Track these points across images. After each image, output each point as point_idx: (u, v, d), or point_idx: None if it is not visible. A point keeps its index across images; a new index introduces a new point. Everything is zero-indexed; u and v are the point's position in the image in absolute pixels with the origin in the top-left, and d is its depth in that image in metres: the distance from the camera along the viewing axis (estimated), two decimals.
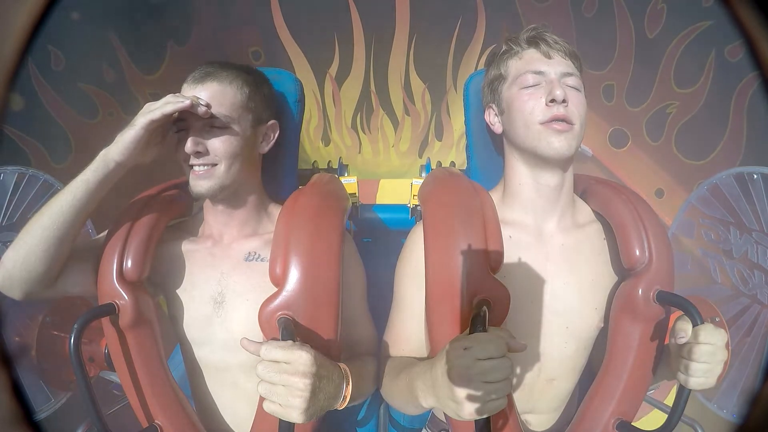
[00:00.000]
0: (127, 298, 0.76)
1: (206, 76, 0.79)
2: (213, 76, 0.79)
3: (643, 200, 0.82)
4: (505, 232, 0.78)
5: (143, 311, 0.79)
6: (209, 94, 0.78)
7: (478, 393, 0.56)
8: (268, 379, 0.61)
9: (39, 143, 1.63)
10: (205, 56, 2.36)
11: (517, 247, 0.79)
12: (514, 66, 0.80)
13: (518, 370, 0.80)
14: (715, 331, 0.65)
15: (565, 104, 0.74)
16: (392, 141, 2.86)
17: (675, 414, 0.68)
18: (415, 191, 1.12)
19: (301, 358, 0.61)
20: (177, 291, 0.85)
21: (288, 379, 0.61)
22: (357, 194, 1.17)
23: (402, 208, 1.31)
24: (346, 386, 0.71)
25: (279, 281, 0.74)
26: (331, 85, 2.73)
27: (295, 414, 0.61)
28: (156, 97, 0.75)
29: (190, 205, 0.93)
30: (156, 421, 0.80)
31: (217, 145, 0.78)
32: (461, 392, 0.57)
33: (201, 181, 0.78)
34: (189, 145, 0.76)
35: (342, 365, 0.72)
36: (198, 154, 0.77)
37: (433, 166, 1.22)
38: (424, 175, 1.24)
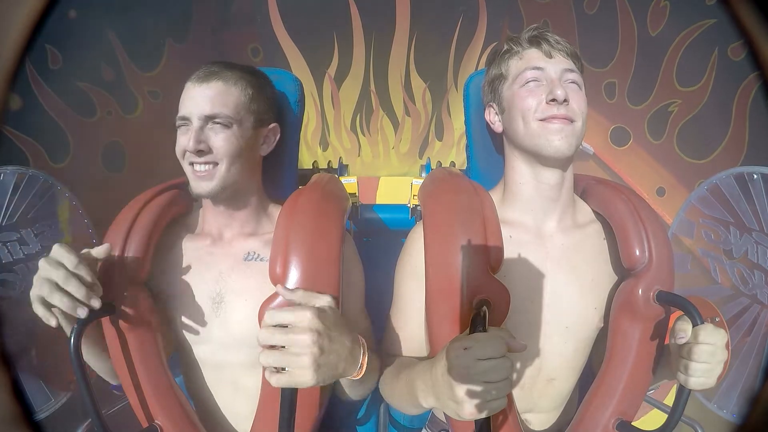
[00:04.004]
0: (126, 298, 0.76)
1: (211, 75, 0.79)
2: (218, 76, 0.79)
3: (643, 200, 0.82)
4: (506, 232, 0.78)
5: (143, 311, 0.78)
6: (213, 93, 0.78)
7: (478, 393, 0.56)
8: (272, 342, 0.60)
9: (37, 142, 1.63)
10: (204, 54, 2.36)
11: (517, 246, 0.79)
12: (514, 65, 0.80)
13: (518, 369, 0.80)
14: (715, 331, 0.65)
15: (566, 103, 0.74)
16: (392, 142, 2.85)
17: (675, 414, 0.69)
18: (415, 191, 1.12)
19: (304, 315, 0.61)
20: (175, 289, 0.85)
21: (292, 339, 0.59)
22: (357, 194, 1.17)
23: (402, 207, 1.31)
24: (363, 354, 0.69)
25: (279, 281, 0.74)
26: (329, 86, 2.72)
27: (306, 375, 0.59)
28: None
29: (190, 205, 0.93)
30: (156, 421, 0.80)
31: (219, 144, 0.78)
32: (461, 392, 0.57)
33: (202, 183, 0.78)
34: (191, 144, 0.76)
35: (360, 336, 0.71)
36: (200, 152, 0.77)
37: (433, 166, 1.21)
38: (424, 174, 1.24)
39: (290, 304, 0.70)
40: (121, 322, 0.77)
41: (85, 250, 0.70)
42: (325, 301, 0.67)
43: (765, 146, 1.81)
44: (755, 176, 1.02)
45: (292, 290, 0.68)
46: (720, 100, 2.04)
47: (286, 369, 0.60)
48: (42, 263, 0.64)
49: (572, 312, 0.80)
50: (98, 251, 0.71)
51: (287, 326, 0.61)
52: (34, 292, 0.64)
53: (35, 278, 0.64)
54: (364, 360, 0.70)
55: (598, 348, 0.84)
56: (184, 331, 0.85)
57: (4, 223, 1.32)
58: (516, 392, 0.81)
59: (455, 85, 2.70)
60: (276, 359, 0.60)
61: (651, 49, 2.21)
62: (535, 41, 0.79)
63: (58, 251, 0.65)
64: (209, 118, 0.77)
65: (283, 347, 0.60)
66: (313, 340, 0.60)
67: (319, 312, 0.62)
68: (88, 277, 0.65)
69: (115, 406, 1.02)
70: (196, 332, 0.84)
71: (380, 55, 2.66)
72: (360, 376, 0.70)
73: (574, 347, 0.81)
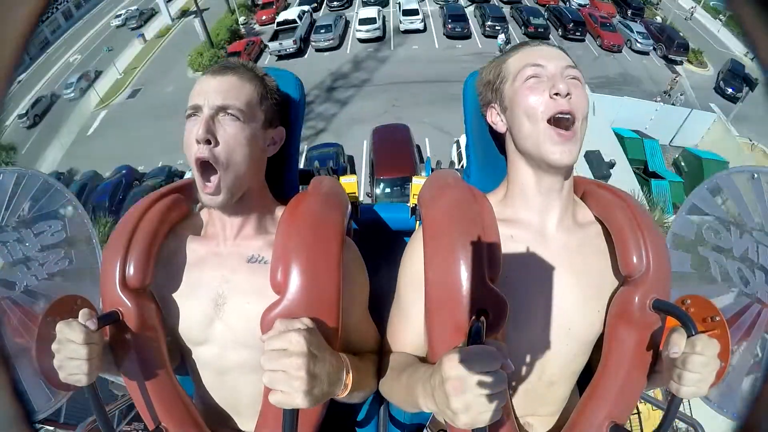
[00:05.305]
0: (130, 305, 0.77)
1: (226, 69, 0.80)
2: (233, 71, 0.80)
3: (642, 207, 0.82)
4: (508, 231, 0.78)
5: (147, 318, 0.79)
6: (228, 85, 0.78)
7: (473, 405, 0.56)
8: (270, 368, 0.63)
9: None
10: None
11: (519, 246, 0.79)
12: (513, 64, 0.80)
13: (522, 372, 0.80)
14: (710, 342, 0.66)
15: (569, 97, 0.73)
16: None
17: (666, 421, 0.70)
18: (415, 191, 1.12)
19: (293, 339, 0.64)
20: (177, 290, 0.85)
21: (284, 363, 0.62)
22: (357, 193, 1.18)
23: (402, 207, 1.32)
24: (346, 374, 0.72)
25: (280, 289, 0.74)
26: None
27: (298, 397, 0.63)
28: None
29: (191, 208, 0.92)
30: (162, 424, 0.81)
31: (228, 136, 0.76)
32: (456, 404, 0.57)
33: (213, 197, 0.77)
34: (201, 131, 0.74)
35: (341, 354, 0.73)
36: (208, 142, 0.75)
37: (433, 166, 1.22)
38: (424, 174, 1.24)
39: (290, 315, 0.72)
40: (126, 329, 0.77)
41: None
42: (303, 323, 0.68)
43: None
44: (755, 176, 1.03)
45: (267, 335, 0.67)
46: None
47: (283, 390, 0.63)
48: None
49: (576, 314, 0.79)
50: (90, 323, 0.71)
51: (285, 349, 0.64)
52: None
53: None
54: (348, 380, 0.72)
55: (596, 351, 0.84)
56: (186, 333, 0.85)
57: (3, 223, 1.32)
58: (516, 396, 0.81)
59: None
60: (273, 382, 0.63)
61: None
62: (533, 41, 0.81)
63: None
64: (221, 109, 0.76)
65: (284, 371, 0.63)
66: (300, 364, 0.63)
67: (305, 333, 0.65)
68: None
69: (116, 405, 1.02)
70: (198, 333, 0.84)
71: None
72: (344, 395, 0.72)
73: (576, 350, 0.81)
